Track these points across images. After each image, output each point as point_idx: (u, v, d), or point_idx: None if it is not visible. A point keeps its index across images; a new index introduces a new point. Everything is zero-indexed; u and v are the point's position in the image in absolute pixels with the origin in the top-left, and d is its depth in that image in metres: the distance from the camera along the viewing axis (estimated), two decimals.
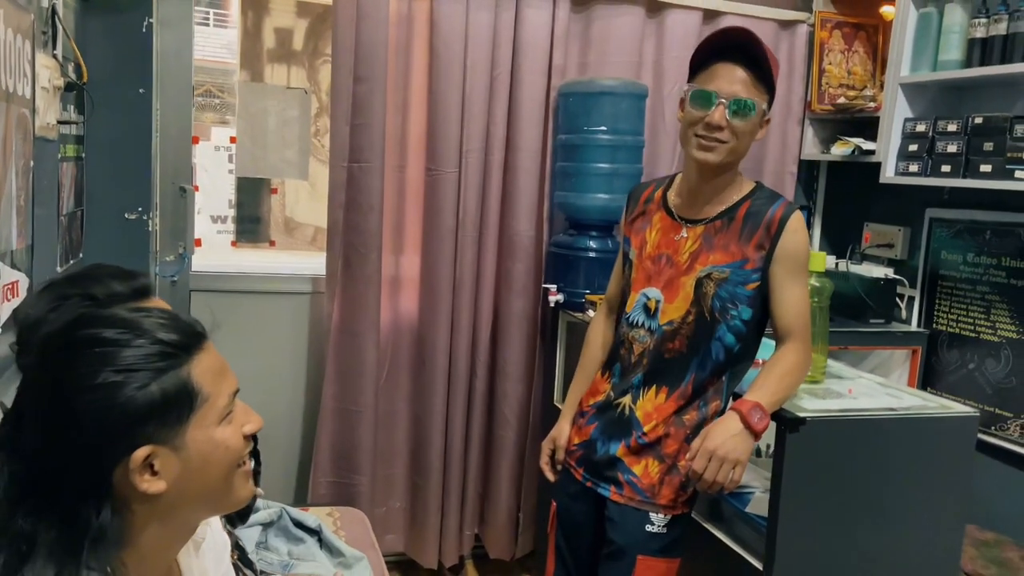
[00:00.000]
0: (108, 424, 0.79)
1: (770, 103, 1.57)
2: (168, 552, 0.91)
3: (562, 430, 1.79)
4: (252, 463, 0.93)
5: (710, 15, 2.76)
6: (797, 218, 1.57)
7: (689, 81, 1.58)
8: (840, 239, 2.98)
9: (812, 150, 2.94)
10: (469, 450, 2.71)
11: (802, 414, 1.58)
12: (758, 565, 1.64)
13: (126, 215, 2.33)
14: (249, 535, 1.75)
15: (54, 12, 1.80)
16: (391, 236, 2.57)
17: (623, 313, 1.70)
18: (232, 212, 2.65)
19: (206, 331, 0.89)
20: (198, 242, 2.60)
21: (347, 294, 2.52)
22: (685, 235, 1.62)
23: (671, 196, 1.68)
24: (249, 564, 1.43)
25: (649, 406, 1.62)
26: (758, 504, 1.77)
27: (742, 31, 1.54)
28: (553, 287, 2.50)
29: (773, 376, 1.55)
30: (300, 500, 2.66)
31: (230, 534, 1.42)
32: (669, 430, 1.61)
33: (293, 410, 2.68)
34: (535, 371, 2.70)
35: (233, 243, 2.67)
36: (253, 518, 1.80)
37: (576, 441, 1.74)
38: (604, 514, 1.66)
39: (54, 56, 1.82)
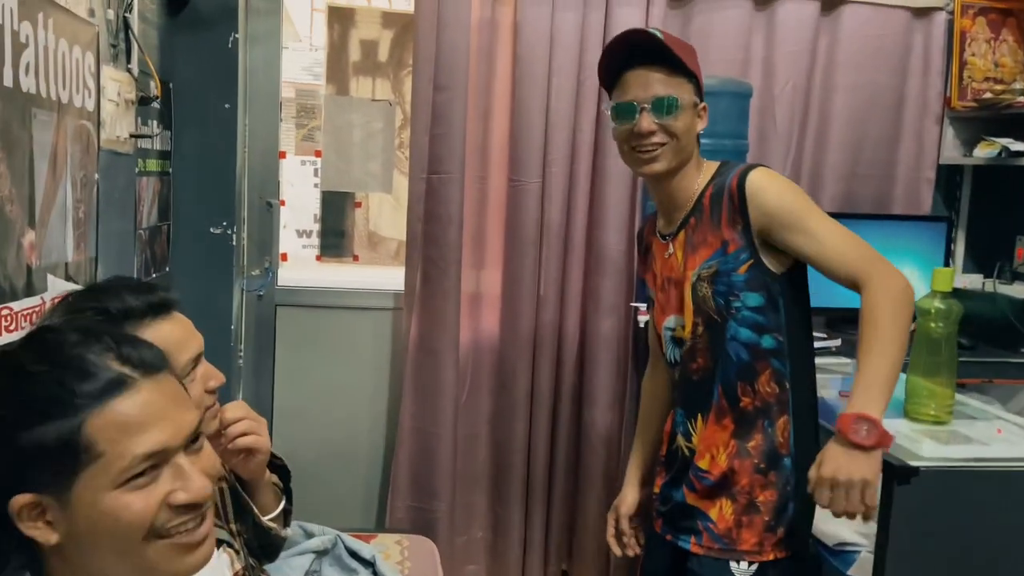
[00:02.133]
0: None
1: (698, 91, 1.45)
2: None
3: (624, 498, 1.68)
4: (198, 533, 0.80)
5: (829, 5, 2.50)
6: (757, 174, 1.40)
7: (610, 99, 1.48)
8: (987, 255, 2.63)
9: (952, 153, 2.61)
10: (554, 479, 2.55)
11: (916, 463, 1.32)
12: None
13: (211, 229, 2.34)
14: (300, 563, 1.67)
15: (127, 25, 1.81)
16: (471, 250, 2.46)
17: (664, 357, 1.57)
18: (317, 226, 2.63)
19: (137, 374, 0.77)
20: (284, 257, 2.59)
21: (426, 310, 2.43)
22: (672, 250, 1.50)
23: (659, 219, 1.57)
24: None
25: (695, 439, 1.47)
26: (863, 567, 1.51)
27: (633, 33, 1.45)
28: (643, 306, 2.30)
29: (864, 360, 1.30)
30: (380, 524, 2.58)
31: (257, 565, 1.34)
32: (733, 464, 1.42)
33: (375, 428, 2.61)
34: (626, 396, 2.50)
35: (318, 257, 2.65)
36: (306, 545, 1.72)
37: (655, 492, 1.60)
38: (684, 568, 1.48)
39: (128, 70, 1.84)
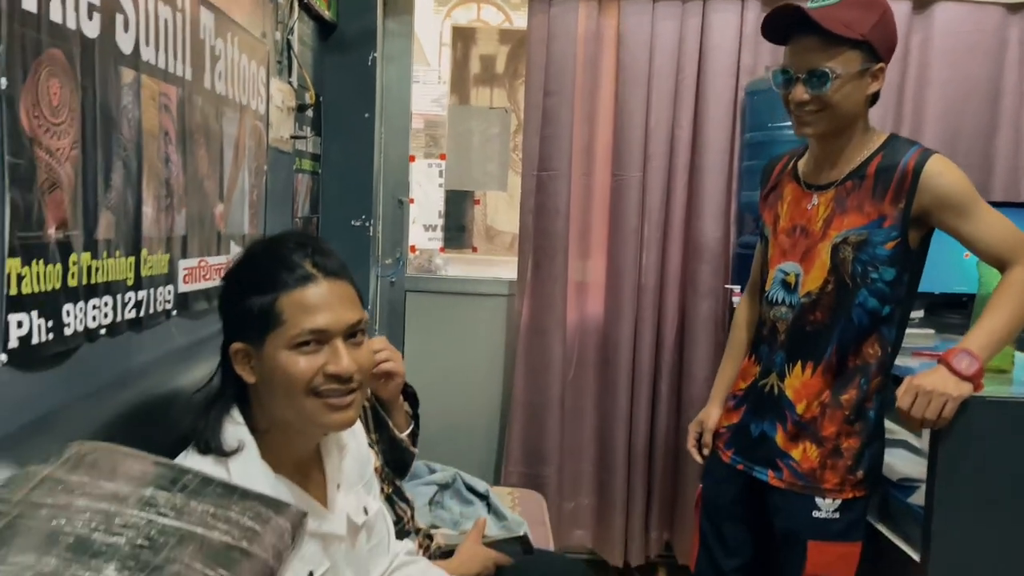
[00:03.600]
0: (228, 314, 1.06)
1: (872, 54, 1.46)
2: (294, 436, 1.09)
3: (710, 413, 1.79)
4: (344, 400, 1.04)
5: (921, 4, 2.60)
6: (936, 161, 1.47)
7: None
8: None
9: None
10: (654, 451, 2.73)
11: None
12: (916, 556, 1.50)
13: (352, 222, 2.70)
14: (425, 491, 1.94)
15: (289, 45, 2.19)
16: (577, 241, 2.71)
17: (763, 293, 1.66)
18: (441, 221, 2.95)
19: (320, 275, 1.05)
20: (413, 248, 2.93)
21: (536, 294, 2.69)
22: (816, 202, 1.56)
23: (801, 165, 1.63)
24: (405, 499, 1.62)
25: (797, 383, 1.57)
26: (921, 497, 1.62)
27: (783, 9, 1.47)
28: (737, 287, 2.47)
29: (986, 314, 1.44)
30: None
31: (391, 483, 1.61)
32: (825, 412, 1.54)
33: (491, 403, 2.87)
34: None
35: (441, 249, 2.97)
36: (429, 477, 2.00)
37: (725, 424, 1.73)
38: (763, 500, 1.63)
39: (288, 82, 2.22)
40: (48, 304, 1.06)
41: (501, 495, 2.28)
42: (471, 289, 2.91)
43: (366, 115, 2.68)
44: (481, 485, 2.04)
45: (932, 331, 2.07)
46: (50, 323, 1.07)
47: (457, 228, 3.01)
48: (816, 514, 1.54)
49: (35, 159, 1.02)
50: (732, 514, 1.70)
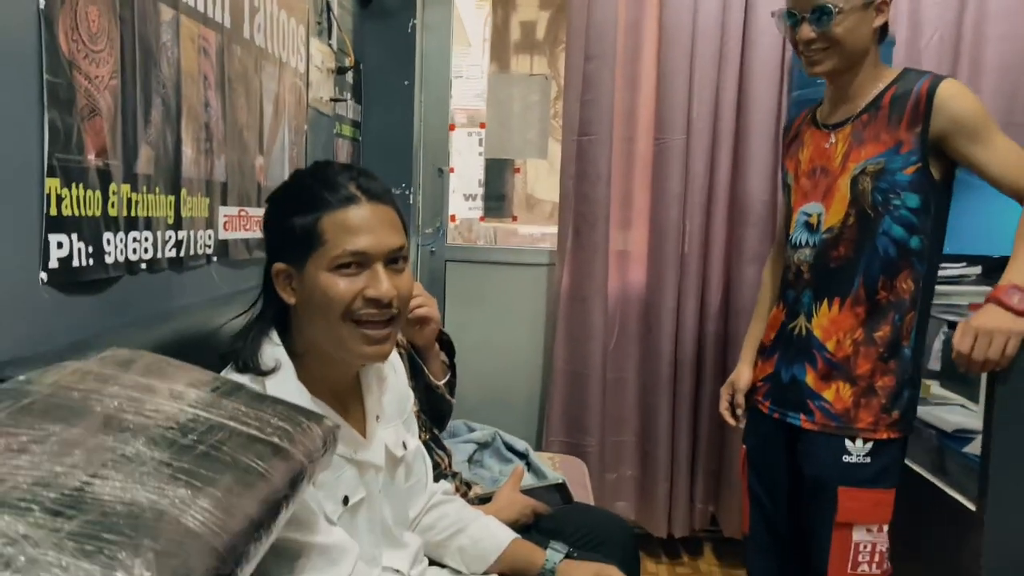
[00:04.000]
0: (271, 235, 1.06)
1: None
2: (331, 363, 1.08)
3: (740, 373, 1.78)
4: (383, 331, 1.03)
5: None
6: (949, 85, 1.47)
7: None
8: None
9: None
10: (699, 422, 2.67)
11: None
12: (971, 507, 1.44)
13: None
14: (464, 449, 1.93)
15: (328, 7, 2.20)
16: (619, 209, 2.66)
17: (787, 240, 1.66)
18: (481, 191, 2.94)
19: (364, 197, 1.03)
20: (453, 218, 2.92)
21: (576, 261, 2.66)
22: (834, 140, 1.57)
23: (818, 112, 1.66)
24: (443, 447, 1.61)
25: (825, 321, 1.55)
26: (976, 447, 1.56)
27: None
28: None
29: (1020, 248, 1.42)
30: None
31: (429, 431, 1.61)
32: (858, 350, 1.52)
33: (533, 373, 2.85)
34: None
35: (481, 218, 2.96)
36: (469, 436, 1.99)
37: (760, 377, 1.71)
38: (796, 448, 1.59)
39: (328, 44, 2.23)
40: (88, 229, 1.07)
41: (541, 459, 2.26)
42: (511, 259, 2.89)
43: (406, 82, 2.68)
44: (520, 444, 2.02)
45: (990, 288, 1.98)
46: (90, 248, 1.08)
47: (497, 197, 2.99)
48: (846, 459, 1.51)
49: (74, 82, 1.03)
50: (780, 467, 1.66)
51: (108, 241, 1.12)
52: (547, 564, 1.25)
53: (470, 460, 1.93)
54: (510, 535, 1.30)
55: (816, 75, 1.58)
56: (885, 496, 1.51)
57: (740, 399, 1.77)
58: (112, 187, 1.12)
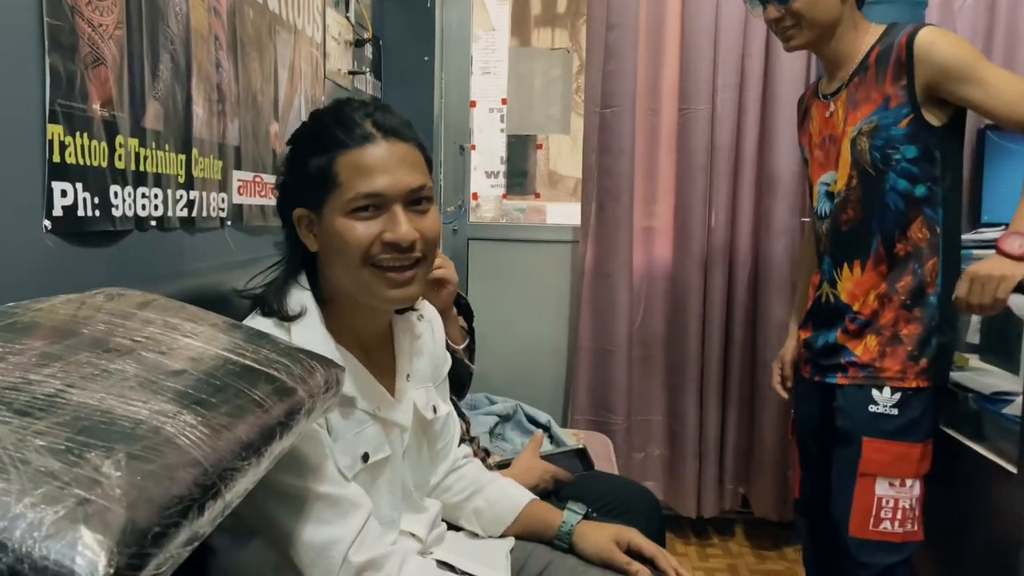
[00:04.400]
0: (291, 177, 1.02)
1: None
2: (357, 310, 1.04)
3: (787, 347, 1.80)
4: (405, 274, 0.99)
5: None
6: (927, 32, 1.45)
7: None
8: None
9: None
10: (727, 401, 2.62)
11: None
12: (1012, 469, 1.38)
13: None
14: (485, 421, 1.90)
15: None
16: (643, 180, 2.61)
17: (813, 212, 1.67)
18: (503, 168, 2.90)
19: (379, 135, 0.98)
20: (475, 196, 2.89)
21: (600, 236, 2.61)
22: (833, 108, 1.58)
23: (820, 83, 1.67)
24: (461, 414, 1.57)
25: (850, 285, 1.56)
26: (1015, 408, 1.50)
27: None
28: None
29: None
30: None
31: (454, 405, 1.58)
32: (883, 301, 1.52)
33: (558, 351, 2.81)
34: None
35: (504, 196, 2.92)
36: (491, 408, 1.96)
37: (803, 345, 1.72)
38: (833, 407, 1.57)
39: (346, 17, 2.20)
40: (94, 179, 1.05)
41: (566, 435, 2.22)
42: (534, 236, 2.85)
43: (425, 58, 2.65)
44: (543, 416, 1.98)
45: None
46: (96, 199, 1.06)
47: (519, 174, 2.95)
48: (872, 408, 1.50)
49: (76, 28, 1.01)
50: (823, 430, 1.65)
51: (115, 194, 1.10)
52: (563, 526, 1.20)
53: (492, 433, 1.90)
54: (527, 496, 1.26)
55: (794, 50, 1.62)
56: (910, 450, 1.48)
57: (788, 371, 1.78)
58: (119, 139, 1.10)
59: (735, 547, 2.64)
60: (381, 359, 1.10)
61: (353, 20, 2.24)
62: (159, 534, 0.41)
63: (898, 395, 1.49)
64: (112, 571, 0.37)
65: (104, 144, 1.07)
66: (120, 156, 1.11)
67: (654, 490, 2.69)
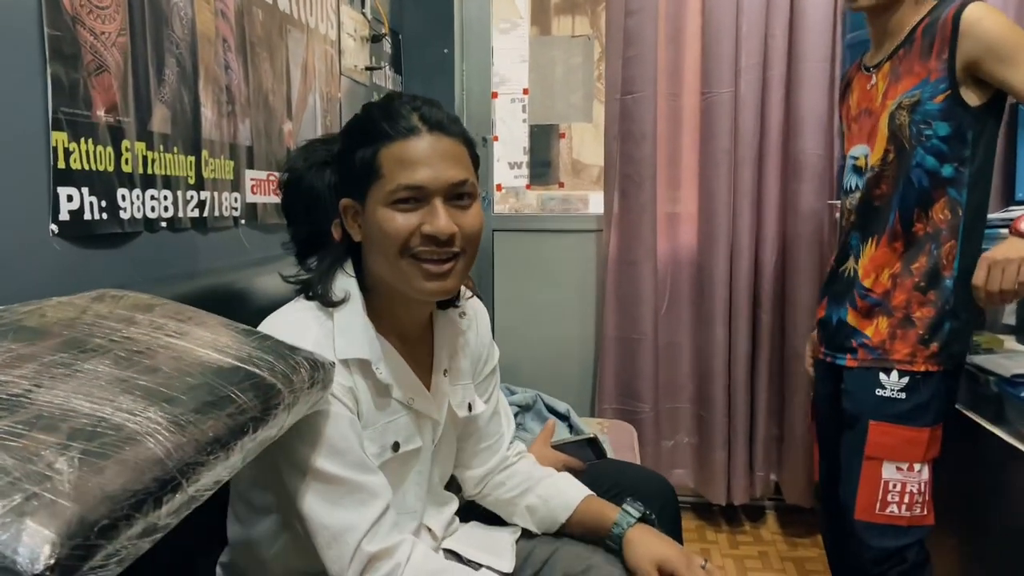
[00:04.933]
0: (340, 168, 1.04)
1: None
2: (397, 300, 1.05)
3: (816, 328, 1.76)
4: (443, 267, 0.99)
5: None
6: (975, 7, 1.39)
7: None
8: None
9: None
10: (756, 385, 2.58)
11: None
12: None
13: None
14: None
15: None
16: (666, 167, 2.58)
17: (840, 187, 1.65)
18: (526, 158, 2.90)
19: (424, 128, 0.99)
20: (499, 187, 2.89)
21: (624, 224, 2.60)
22: (875, 80, 1.55)
23: (866, 55, 1.62)
24: None
25: (866, 260, 1.54)
26: None
27: None
28: (838, 203, 2.29)
29: None
30: None
31: None
32: (896, 282, 1.49)
33: (586, 340, 2.80)
34: None
35: (527, 186, 2.92)
36: (511, 399, 1.97)
37: (817, 320, 1.71)
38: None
39: (362, 12, 2.22)
40: (100, 183, 1.09)
41: (590, 423, 2.22)
42: (559, 226, 2.85)
43: (445, 51, 2.66)
44: (562, 406, 1.99)
45: None
46: (103, 203, 1.09)
47: (542, 164, 2.95)
48: (880, 392, 1.48)
49: (78, 37, 1.04)
50: (836, 412, 1.61)
51: (123, 196, 1.13)
52: (615, 528, 1.14)
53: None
54: (581, 493, 1.21)
55: (857, 9, 1.56)
56: (918, 434, 1.45)
57: (813, 350, 1.77)
58: (125, 143, 1.13)
59: (767, 534, 2.61)
60: (419, 352, 1.11)
61: (369, 16, 2.26)
62: (108, 526, 0.43)
63: (906, 379, 1.46)
64: (53, 562, 0.39)
65: (110, 149, 1.11)
66: (127, 160, 1.14)
67: (684, 478, 2.70)
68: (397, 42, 2.56)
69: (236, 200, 1.49)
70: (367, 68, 2.24)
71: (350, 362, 1.00)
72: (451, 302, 1.16)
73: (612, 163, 2.59)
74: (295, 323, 1.01)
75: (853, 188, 1.59)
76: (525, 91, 2.82)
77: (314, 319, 1.01)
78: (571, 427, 1.94)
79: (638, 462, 1.98)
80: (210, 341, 0.72)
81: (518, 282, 2.87)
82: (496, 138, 2.85)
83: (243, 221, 1.52)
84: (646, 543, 1.13)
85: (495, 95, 2.84)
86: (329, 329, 1.00)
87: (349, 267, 1.06)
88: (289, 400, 0.71)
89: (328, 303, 1.01)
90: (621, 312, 2.63)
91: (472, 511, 1.27)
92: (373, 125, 1.00)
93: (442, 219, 0.97)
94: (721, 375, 2.57)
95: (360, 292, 1.04)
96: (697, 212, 2.58)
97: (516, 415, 1.92)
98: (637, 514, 1.17)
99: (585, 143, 3.02)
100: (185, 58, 1.30)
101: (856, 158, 1.59)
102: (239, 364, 0.70)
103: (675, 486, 2.70)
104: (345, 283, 1.04)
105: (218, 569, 1.09)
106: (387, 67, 2.45)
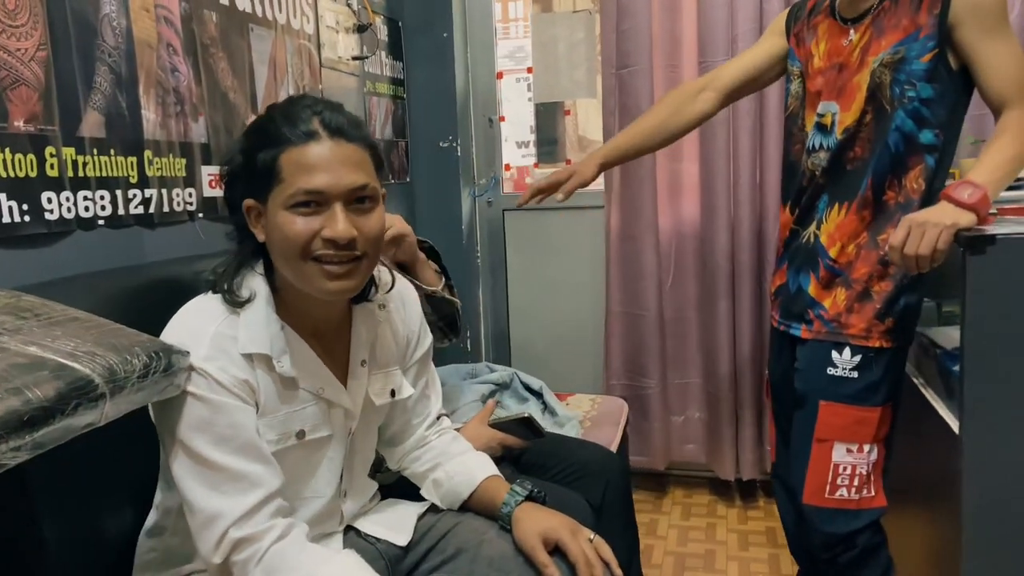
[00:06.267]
0: (240, 167, 1.05)
1: None
2: (306, 298, 1.07)
3: None
4: (342, 267, 1.01)
5: None
6: None
7: None
8: None
9: None
10: (761, 359, 2.53)
11: (992, 231, 1.22)
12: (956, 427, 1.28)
13: (440, 144, 2.74)
14: (480, 389, 1.96)
15: None
16: None
17: (803, 140, 1.52)
18: (533, 137, 2.90)
19: (324, 133, 1.00)
20: (507, 167, 2.91)
21: (624, 198, 2.58)
22: (853, 36, 1.43)
23: (840, 2, 1.48)
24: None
25: (832, 227, 1.45)
26: None
27: None
28: None
29: (988, 152, 1.29)
30: None
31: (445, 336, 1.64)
32: (860, 253, 1.42)
33: (597, 316, 2.80)
34: None
35: (535, 165, 2.92)
36: (487, 377, 2.01)
37: (773, 289, 1.63)
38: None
39: (348, 5, 2.28)
40: (21, 188, 1.19)
41: (582, 400, 2.24)
42: (568, 203, 2.83)
43: (444, 35, 2.69)
44: (536, 383, 2.02)
45: None
46: (25, 206, 1.20)
47: (549, 142, 2.94)
48: (831, 371, 1.42)
49: None
50: (791, 387, 1.55)
51: (49, 200, 1.24)
52: (504, 507, 1.17)
53: (485, 400, 1.95)
54: (486, 472, 1.23)
55: None
56: (869, 414, 1.40)
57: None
58: (49, 149, 1.23)
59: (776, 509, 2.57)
60: (337, 344, 1.15)
61: (356, 6, 2.31)
62: None
63: (858, 357, 1.40)
64: None
65: (31, 156, 1.20)
66: (52, 165, 1.24)
67: (695, 453, 2.68)
68: (396, 29, 2.61)
69: (191, 195, 1.58)
70: (354, 58, 2.30)
71: (253, 356, 1.04)
72: (363, 296, 1.18)
73: (610, 138, 2.56)
74: (196, 316, 1.05)
75: (818, 147, 1.48)
76: (529, 70, 2.82)
77: (220, 313, 1.04)
78: (544, 405, 1.96)
79: (618, 437, 1.99)
80: (38, 338, 0.80)
81: (530, 261, 2.89)
82: (503, 118, 2.87)
83: (200, 215, 1.61)
84: (532, 518, 1.14)
85: (500, 75, 2.85)
86: (234, 323, 1.04)
87: (259, 266, 1.08)
88: (103, 390, 0.78)
89: (232, 302, 1.04)
90: (624, 288, 2.62)
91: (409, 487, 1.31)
92: (274, 128, 1.02)
93: (341, 224, 0.99)
94: (726, 349, 2.53)
95: (269, 290, 1.07)
96: (699, 184, 2.54)
97: (494, 393, 1.96)
98: (524, 492, 1.18)
99: (590, 119, 3.00)
100: (120, 65, 1.39)
101: (822, 115, 1.48)
102: (53, 358, 0.77)
103: (687, 461, 2.71)
104: (252, 282, 1.06)
105: (141, 535, 1.17)
106: (383, 54, 2.51)
